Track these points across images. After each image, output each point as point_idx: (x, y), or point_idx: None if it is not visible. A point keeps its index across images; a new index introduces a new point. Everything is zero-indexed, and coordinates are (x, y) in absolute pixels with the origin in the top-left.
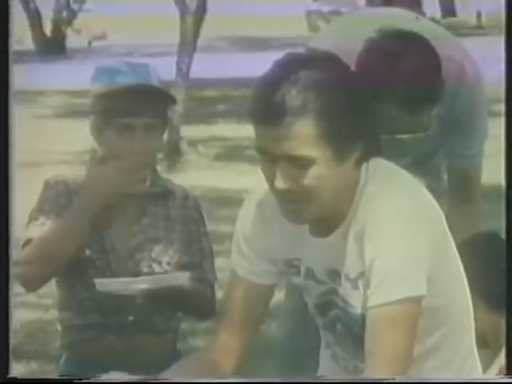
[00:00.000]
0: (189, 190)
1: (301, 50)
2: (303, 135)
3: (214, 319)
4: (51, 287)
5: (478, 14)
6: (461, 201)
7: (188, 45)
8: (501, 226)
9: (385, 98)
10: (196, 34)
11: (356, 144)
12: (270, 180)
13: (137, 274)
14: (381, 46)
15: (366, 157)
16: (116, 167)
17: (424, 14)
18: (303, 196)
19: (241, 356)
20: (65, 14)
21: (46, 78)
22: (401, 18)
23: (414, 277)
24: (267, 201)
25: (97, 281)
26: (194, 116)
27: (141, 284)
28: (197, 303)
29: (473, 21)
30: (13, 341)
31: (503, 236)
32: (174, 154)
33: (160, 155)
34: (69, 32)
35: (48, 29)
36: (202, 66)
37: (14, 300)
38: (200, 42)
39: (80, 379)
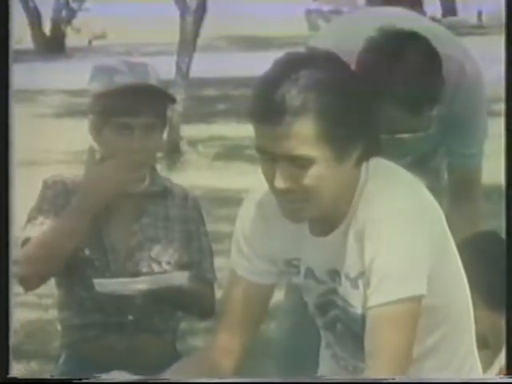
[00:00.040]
0: (188, 190)
1: (301, 50)
2: (303, 135)
3: (214, 319)
4: (51, 287)
5: (479, 14)
6: (461, 200)
7: (188, 44)
8: (501, 226)
9: (385, 97)
10: (196, 34)
11: (356, 143)
12: (270, 179)
13: (136, 273)
14: (381, 45)
15: (366, 156)
16: (115, 166)
17: (425, 14)
18: (303, 196)
19: (240, 356)
20: (64, 13)
21: (46, 77)
22: (401, 18)
23: (414, 276)
24: (267, 200)
25: (96, 281)
26: (193, 115)
27: (140, 284)
28: (196, 303)
29: (473, 20)
30: (13, 340)
31: (503, 235)
32: (173, 153)
33: (159, 155)
34: (68, 31)
35: (47, 28)
36: (202, 66)
37: (13, 300)
38: (200, 41)
39: (80, 379)
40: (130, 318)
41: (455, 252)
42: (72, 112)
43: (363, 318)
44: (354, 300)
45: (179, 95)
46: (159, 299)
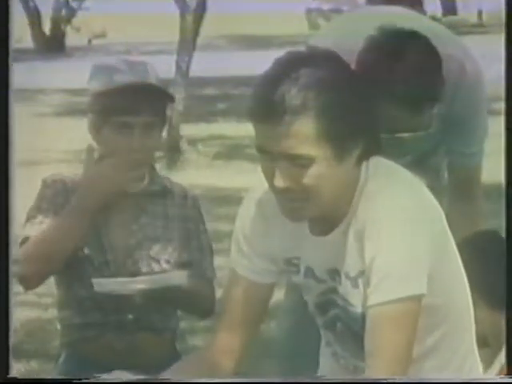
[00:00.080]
0: (187, 189)
1: (301, 49)
2: (303, 134)
3: (214, 318)
4: (50, 286)
5: (479, 13)
6: (461, 199)
7: (188, 43)
8: (501, 225)
9: (385, 96)
10: (196, 33)
11: (356, 143)
12: (270, 178)
13: (135, 272)
14: (381, 44)
15: (366, 155)
16: (114, 165)
17: (425, 13)
18: (303, 195)
19: (240, 355)
20: (64, 12)
21: (46, 77)
22: (401, 17)
23: (414, 275)
24: (267, 199)
25: (94, 281)
26: (193, 114)
27: (138, 284)
28: (196, 302)
29: (473, 19)
30: (12, 340)
31: (503, 234)
32: (173, 152)
33: (159, 154)
34: (68, 30)
35: (47, 27)
36: (202, 65)
37: (13, 299)
38: (200, 40)
39: (80, 379)
40: (130, 317)
41: (455, 251)
42: (72, 111)
43: (363, 317)
44: (354, 299)
45: (179, 94)
46: (158, 299)
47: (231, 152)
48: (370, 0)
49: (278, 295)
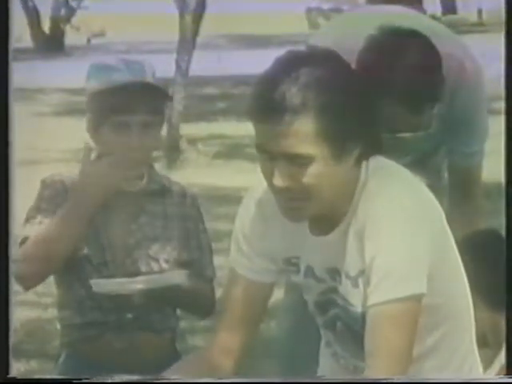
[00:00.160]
0: (186, 188)
1: (302, 48)
2: (303, 133)
3: (214, 317)
4: (50, 286)
5: (479, 11)
6: (461, 199)
7: (187, 42)
8: (501, 224)
9: (385, 95)
10: (195, 32)
11: (356, 142)
12: (269, 178)
13: (135, 272)
14: (381, 43)
15: (366, 155)
16: (112, 164)
17: (424, 12)
18: (302, 194)
19: (240, 355)
20: (63, 11)
21: (45, 76)
22: (401, 16)
23: (414, 275)
24: (267, 199)
25: (92, 281)
26: (193, 114)
27: (137, 284)
28: (196, 301)
29: (473, 18)
30: (12, 339)
31: (503, 234)
32: (173, 151)
33: (159, 153)
34: (67, 29)
35: (47, 26)
36: (202, 64)
37: (13, 299)
38: (199, 39)
39: (80, 379)
40: (130, 316)
41: (455, 250)
42: (71, 110)
43: (363, 316)
44: (354, 299)
45: (179, 93)
46: (158, 298)
47: (231, 151)
48: None
49: (278, 295)
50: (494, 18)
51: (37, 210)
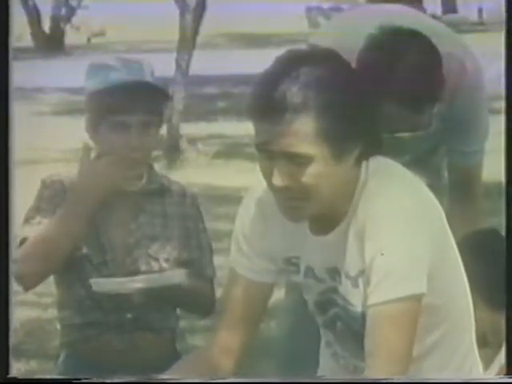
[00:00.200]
0: (186, 187)
1: (302, 47)
2: (302, 132)
3: (214, 317)
4: (50, 286)
5: (479, 11)
6: (461, 198)
7: (187, 42)
8: (501, 223)
9: (385, 95)
10: (195, 31)
11: (356, 142)
12: (268, 177)
13: (134, 271)
14: (381, 43)
15: (366, 155)
16: (111, 164)
17: (425, 11)
18: (301, 194)
19: (240, 354)
20: (63, 10)
21: (45, 75)
22: (401, 15)
23: (414, 275)
24: (267, 199)
25: (92, 281)
26: (193, 113)
27: (137, 283)
28: (196, 300)
29: (474, 17)
30: (12, 340)
31: (503, 233)
32: (173, 151)
33: (159, 152)
34: (67, 29)
35: (47, 26)
36: (202, 63)
37: (13, 299)
38: (199, 38)
39: (79, 379)
40: (129, 316)
41: (455, 250)
42: (71, 110)
43: (363, 316)
44: (354, 299)
45: (179, 93)
46: (158, 297)
47: (231, 151)
48: None
49: (278, 295)
50: (495, 17)
51: (36, 210)
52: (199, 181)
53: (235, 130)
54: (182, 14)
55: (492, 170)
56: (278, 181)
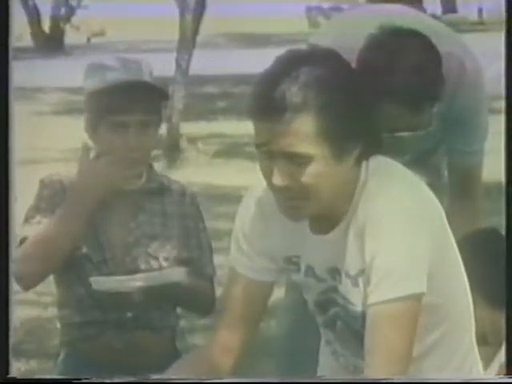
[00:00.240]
0: (186, 186)
1: (302, 47)
2: (302, 132)
3: (214, 315)
4: (50, 285)
5: (479, 10)
6: (461, 198)
7: (187, 41)
8: (501, 223)
9: (385, 95)
10: (195, 31)
11: (356, 141)
12: (268, 176)
13: (134, 270)
14: (381, 42)
15: (366, 154)
16: (111, 164)
17: (425, 11)
18: (301, 193)
19: (240, 353)
20: (63, 10)
21: (45, 75)
22: (401, 15)
23: (414, 274)
24: (267, 198)
25: (92, 279)
26: (193, 113)
27: (136, 282)
28: (196, 299)
29: (473, 17)
30: (12, 339)
31: (503, 233)
32: (173, 150)
33: (159, 152)
34: (67, 29)
35: (46, 25)
36: (202, 63)
37: (13, 298)
38: (199, 38)
39: (79, 379)
40: (129, 315)
41: (455, 249)
42: (71, 110)
43: (363, 315)
44: (354, 298)
45: (179, 92)
46: (158, 296)
47: (231, 150)
48: None
49: (278, 294)
50: (495, 16)
51: (36, 209)
52: (199, 180)
53: (235, 129)
54: (182, 14)
55: (492, 169)
56: (277, 180)
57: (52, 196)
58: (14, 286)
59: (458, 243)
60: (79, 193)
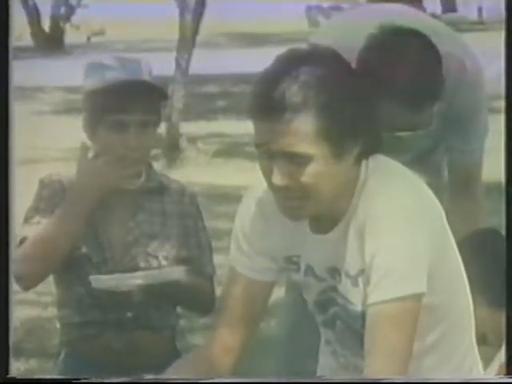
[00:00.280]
0: (185, 185)
1: (302, 46)
2: (302, 132)
3: (213, 314)
4: (50, 285)
5: (479, 10)
6: (461, 197)
7: (187, 41)
8: (501, 223)
9: (385, 94)
10: (195, 30)
11: (356, 141)
12: (268, 176)
13: (134, 269)
14: (381, 42)
15: (366, 154)
16: (110, 164)
17: (424, 10)
18: (301, 193)
19: (240, 353)
20: (63, 10)
21: (45, 74)
22: (401, 14)
23: (414, 274)
24: (267, 198)
25: (92, 277)
26: (193, 112)
27: (136, 280)
28: (195, 298)
29: (473, 16)
30: (12, 338)
31: (503, 232)
32: (173, 150)
33: (158, 151)
34: (67, 28)
35: (46, 25)
36: (202, 62)
37: (13, 297)
38: (199, 38)
39: (78, 379)
40: (129, 315)
41: (455, 249)
42: (71, 109)
43: (363, 315)
44: (354, 298)
45: (179, 92)
46: (157, 294)
47: (231, 150)
48: None
49: (278, 293)
50: (494, 16)
51: (35, 210)
52: (199, 180)
53: (235, 128)
54: (182, 13)
55: (492, 169)
56: (277, 180)
57: (51, 196)
58: (14, 286)
59: (458, 243)
60: (78, 193)
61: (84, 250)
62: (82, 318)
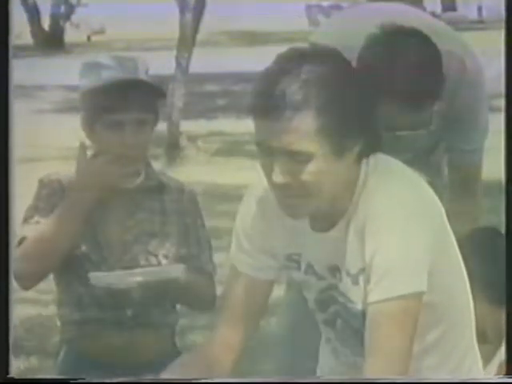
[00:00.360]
0: (184, 184)
1: (303, 45)
2: (303, 130)
3: (213, 312)
4: (50, 283)
5: (479, 9)
6: (461, 196)
7: (187, 40)
8: (501, 222)
9: (385, 93)
10: (195, 29)
11: (356, 139)
12: (269, 174)
13: (133, 267)
14: (382, 41)
15: (366, 152)
16: (108, 162)
17: (424, 9)
18: (301, 191)
19: (240, 351)
20: (63, 8)
21: (45, 73)
22: (401, 14)
23: (414, 273)
24: (267, 196)
25: (91, 275)
26: (193, 111)
27: (135, 277)
28: (195, 295)
29: (473, 15)
30: (12, 336)
31: (503, 231)
32: (173, 148)
33: (159, 150)
34: (67, 27)
35: (46, 24)
36: (202, 61)
37: (13, 296)
38: (199, 36)
39: (76, 379)
40: (129, 313)
41: (455, 248)
42: (71, 108)
43: (363, 313)
44: (355, 296)
45: (179, 90)
46: (157, 292)
47: (231, 148)
48: None
49: (279, 292)
50: (494, 15)
51: (34, 209)
52: (199, 178)
53: (235, 127)
54: (182, 12)
55: (492, 168)
56: (278, 178)
57: (50, 195)
58: (14, 284)
59: (458, 242)
60: (77, 192)
61: (83, 248)
62: (82, 315)
